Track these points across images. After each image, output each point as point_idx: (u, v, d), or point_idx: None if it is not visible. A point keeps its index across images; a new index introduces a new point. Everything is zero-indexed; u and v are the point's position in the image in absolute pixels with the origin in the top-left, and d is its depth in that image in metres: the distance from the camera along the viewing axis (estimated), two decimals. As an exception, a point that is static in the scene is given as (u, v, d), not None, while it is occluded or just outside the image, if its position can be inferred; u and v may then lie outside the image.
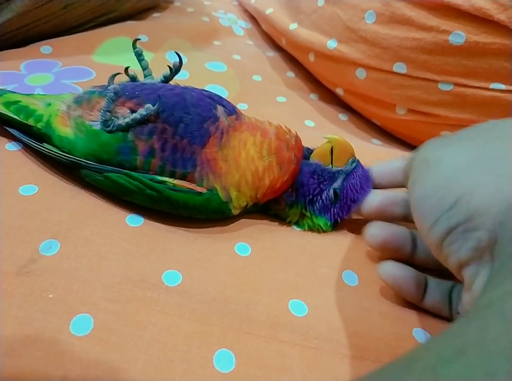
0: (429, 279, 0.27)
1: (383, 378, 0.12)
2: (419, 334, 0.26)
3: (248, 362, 0.23)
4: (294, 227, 0.33)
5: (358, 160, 0.32)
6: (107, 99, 0.29)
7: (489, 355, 0.11)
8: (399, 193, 0.31)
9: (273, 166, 0.30)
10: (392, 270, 0.27)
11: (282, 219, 0.33)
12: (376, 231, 0.29)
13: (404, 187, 0.29)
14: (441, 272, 0.22)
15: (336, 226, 0.33)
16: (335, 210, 0.31)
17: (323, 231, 0.32)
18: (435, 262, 0.22)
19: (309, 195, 0.31)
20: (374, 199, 0.31)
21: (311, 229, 0.33)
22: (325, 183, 0.31)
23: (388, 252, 0.29)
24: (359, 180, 0.31)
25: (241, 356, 0.23)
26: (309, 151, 0.33)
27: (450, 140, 0.22)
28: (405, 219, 0.30)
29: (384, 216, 0.30)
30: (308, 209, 0.32)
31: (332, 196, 0.31)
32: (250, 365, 0.23)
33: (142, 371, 0.22)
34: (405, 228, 0.29)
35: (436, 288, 0.27)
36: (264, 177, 0.30)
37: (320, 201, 0.31)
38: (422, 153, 0.24)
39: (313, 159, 0.32)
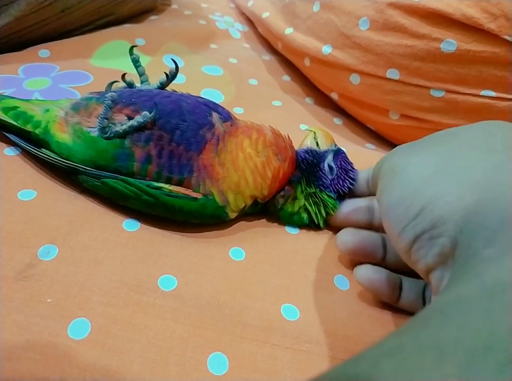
0: (403, 279, 0.28)
1: (334, 372, 0.13)
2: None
3: (241, 365, 0.24)
4: (288, 230, 0.34)
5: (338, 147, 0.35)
6: (105, 107, 0.30)
7: (421, 351, 0.12)
8: (362, 200, 0.32)
9: (271, 157, 0.32)
10: (368, 273, 0.28)
11: (279, 217, 0.34)
12: (346, 237, 0.30)
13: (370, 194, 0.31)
14: (414, 273, 0.23)
15: (341, 201, 0.34)
16: (334, 181, 0.33)
17: (330, 209, 0.33)
18: (406, 265, 0.23)
19: (309, 167, 0.33)
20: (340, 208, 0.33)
21: (310, 224, 0.33)
22: (318, 158, 0.33)
23: (360, 257, 0.30)
24: (347, 158, 0.35)
25: (234, 359, 0.24)
26: None
27: (415, 147, 0.23)
28: (370, 225, 0.31)
29: (350, 223, 0.32)
30: (310, 180, 0.33)
31: (328, 168, 0.33)
32: (243, 368, 0.24)
33: (138, 374, 0.22)
34: (376, 233, 0.30)
35: (410, 288, 0.28)
36: (265, 171, 0.31)
37: (319, 173, 0.33)
38: (389, 161, 0.24)
39: (301, 147, 0.35)
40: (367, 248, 0.29)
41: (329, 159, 0.34)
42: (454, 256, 0.18)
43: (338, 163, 0.34)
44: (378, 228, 0.30)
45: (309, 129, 0.36)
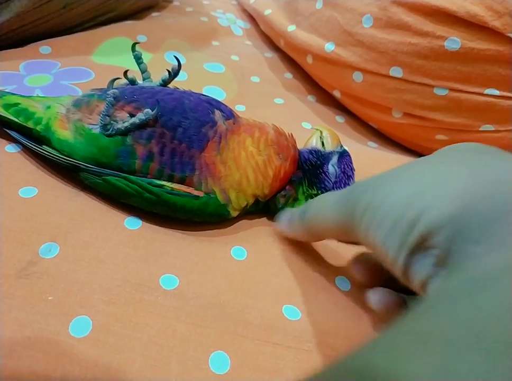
0: (407, 299, 0.27)
1: (332, 369, 0.13)
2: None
3: (242, 364, 0.24)
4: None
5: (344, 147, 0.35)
6: (106, 104, 0.30)
7: (412, 343, 0.13)
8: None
9: (272, 156, 0.31)
10: (383, 297, 0.26)
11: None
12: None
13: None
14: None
15: None
16: (336, 184, 0.33)
17: None
18: None
19: (312, 169, 0.33)
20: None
21: None
22: (322, 160, 0.33)
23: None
24: (351, 162, 0.34)
25: (236, 358, 0.24)
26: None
27: (382, 180, 0.23)
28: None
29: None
30: (313, 182, 0.33)
31: (333, 170, 0.33)
32: (244, 367, 0.24)
33: (139, 372, 0.22)
34: None
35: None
36: (266, 170, 0.31)
37: (322, 175, 0.33)
38: (360, 200, 0.23)
39: (306, 146, 0.34)
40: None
41: (333, 161, 0.33)
42: (447, 264, 0.18)
43: (342, 167, 0.33)
44: None
45: (316, 128, 0.35)
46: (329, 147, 0.34)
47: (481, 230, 0.16)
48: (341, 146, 0.34)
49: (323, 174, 0.33)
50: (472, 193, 0.17)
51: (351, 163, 0.34)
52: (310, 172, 0.33)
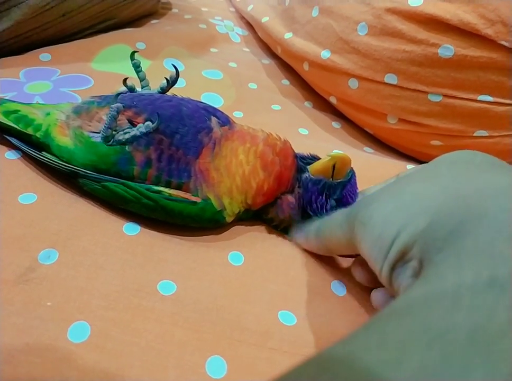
0: None
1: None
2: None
3: (239, 369, 0.24)
4: (287, 235, 0.34)
5: (352, 168, 0.33)
6: (109, 117, 0.29)
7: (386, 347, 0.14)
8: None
9: (257, 168, 0.31)
10: (383, 297, 0.27)
11: (275, 227, 0.34)
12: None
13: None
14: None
15: None
16: (332, 210, 0.32)
17: None
18: None
19: (317, 208, 0.32)
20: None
21: None
22: (328, 193, 0.32)
23: None
24: (354, 186, 0.33)
25: (232, 362, 0.24)
26: (303, 158, 0.33)
27: (373, 197, 0.25)
28: None
29: None
30: (310, 210, 0.32)
31: (334, 204, 0.32)
32: (241, 371, 0.24)
33: (137, 376, 0.23)
34: None
35: None
36: (250, 180, 0.31)
37: (324, 211, 0.32)
38: (357, 216, 0.25)
39: (316, 173, 0.32)
40: None
41: (337, 194, 0.32)
42: (420, 275, 0.20)
43: (344, 200, 0.32)
44: None
45: (331, 156, 0.32)
46: (338, 176, 0.32)
47: (443, 239, 0.19)
48: (351, 170, 0.33)
49: (324, 211, 0.32)
50: (438, 210, 0.20)
51: (352, 190, 0.33)
52: (316, 212, 0.32)
